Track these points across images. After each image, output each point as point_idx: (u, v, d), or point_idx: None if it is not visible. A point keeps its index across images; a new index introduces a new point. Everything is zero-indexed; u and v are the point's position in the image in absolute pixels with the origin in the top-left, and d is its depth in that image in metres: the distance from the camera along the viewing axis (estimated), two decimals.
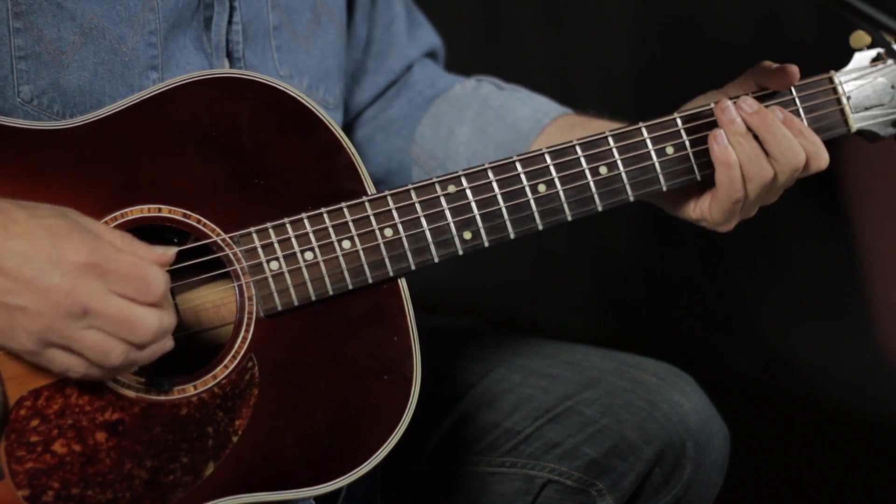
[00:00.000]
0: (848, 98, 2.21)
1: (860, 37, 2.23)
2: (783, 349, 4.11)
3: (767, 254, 3.97)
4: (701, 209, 2.19)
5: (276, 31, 2.26)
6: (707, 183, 2.18)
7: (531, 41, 4.16)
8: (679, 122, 2.14)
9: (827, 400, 4.01)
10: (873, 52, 2.24)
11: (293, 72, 2.28)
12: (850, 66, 2.23)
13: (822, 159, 2.15)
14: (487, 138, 2.46)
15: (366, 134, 2.54)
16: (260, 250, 1.97)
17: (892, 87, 2.23)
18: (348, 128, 2.55)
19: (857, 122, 2.22)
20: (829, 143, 2.23)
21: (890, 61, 2.23)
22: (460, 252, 2.05)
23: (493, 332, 2.55)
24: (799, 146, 2.12)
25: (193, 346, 1.98)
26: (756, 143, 2.11)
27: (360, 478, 1.94)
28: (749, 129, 2.11)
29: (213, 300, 1.99)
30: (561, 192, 2.09)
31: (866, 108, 2.22)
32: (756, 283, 4.05)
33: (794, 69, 2.15)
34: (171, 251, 1.87)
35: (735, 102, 2.12)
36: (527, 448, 2.35)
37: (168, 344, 1.84)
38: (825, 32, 3.44)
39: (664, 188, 2.14)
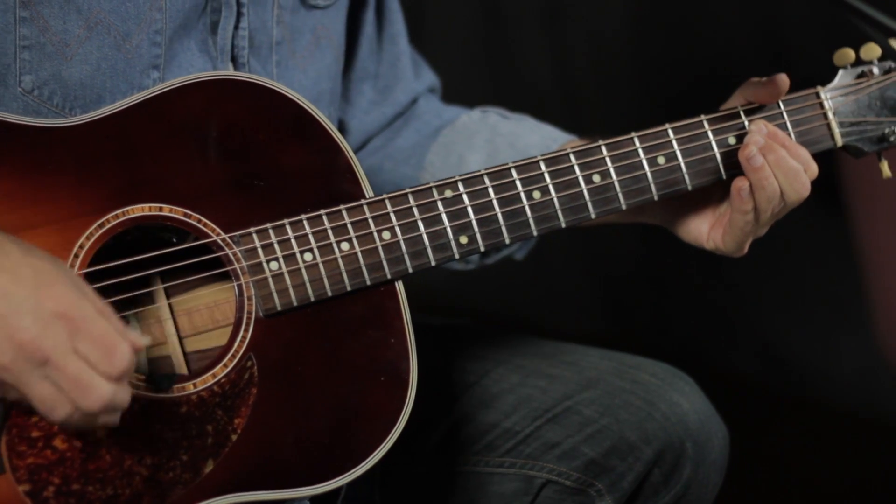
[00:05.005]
0: (834, 113, 2.24)
1: (844, 54, 2.26)
2: (783, 349, 4.11)
3: (767, 254, 3.98)
4: (714, 240, 2.24)
5: (279, 47, 2.27)
6: (703, 198, 2.23)
7: (531, 41, 4.16)
8: (670, 132, 2.17)
9: (826, 400, 4.01)
10: (858, 70, 2.27)
11: None
12: (836, 82, 2.26)
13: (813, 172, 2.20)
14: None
15: (374, 164, 2.54)
16: (260, 250, 1.98)
17: (876, 103, 2.26)
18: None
19: (842, 137, 2.25)
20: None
21: (875, 78, 2.26)
22: (457, 256, 2.07)
23: (492, 333, 2.55)
24: (807, 179, 2.16)
25: (187, 348, 2.00)
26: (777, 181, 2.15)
27: (359, 478, 1.95)
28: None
29: (206, 303, 2.00)
30: (555, 199, 2.11)
31: (851, 124, 2.25)
32: (756, 283, 4.05)
33: (784, 78, 2.18)
34: (146, 339, 1.84)
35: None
36: (526, 448, 2.36)
37: (115, 420, 1.82)
38: (825, 31, 3.45)
39: (655, 197, 2.16)
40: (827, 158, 2.24)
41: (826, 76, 2.26)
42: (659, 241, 2.39)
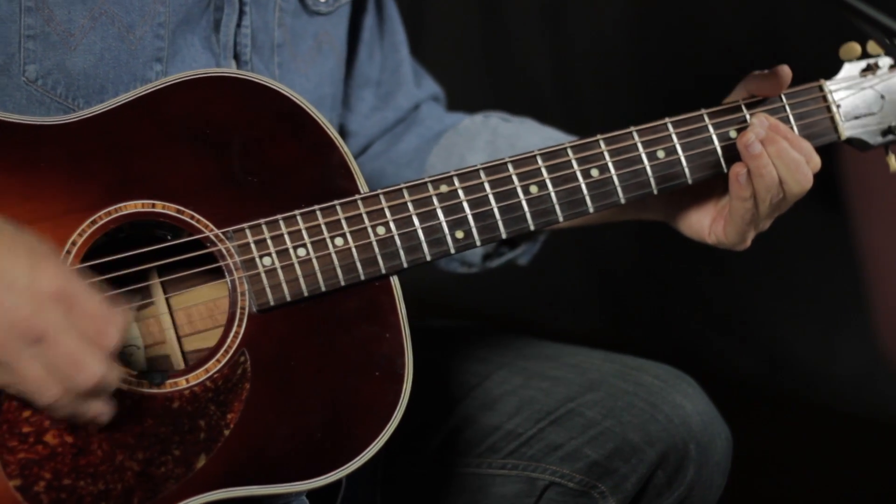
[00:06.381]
0: (838, 106, 2.23)
1: (850, 48, 2.26)
2: (784, 350, 4.12)
3: (768, 255, 3.98)
4: (716, 233, 2.24)
5: (280, 49, 2.28)
6: (704, 192, 2.23)
7: (531, 38, 4.17)
8: (670, 126, 2.18)
9: (828, 401, 4.02)
10: (863, 63, 2.26)
11: None
12: (840, 75, 2.26)
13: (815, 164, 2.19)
14: None
15: (376, 168, 2.55)
16: (253, 246, 1.98)
17: (882, 97, 2.25)
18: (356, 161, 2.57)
19: (847, 130, 2.24)
20: (828, 146, 2.24)
21: (881, 71, 2.25)
22: (452, 251, 2.06)
23: (494, 334, 2.55)
24: (809, 171, 2.16)
25: (186, 347, 2.00)
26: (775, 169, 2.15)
27: (360, 479, 1.95)
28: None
29: (205, 302, 2.00)
30: (552, 194, 2.11)
31: (856, 117, 2.24)
32: (757, 285, 4.06)
33: (786, 69, 2.18)
34: (131, 308, 1.84)
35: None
36: (528, 450, 2.36)
37: (104, 416, 1.81)
38: (825, 29, 3.45)
39: (655, 191, 2.17)
40: (828, 158, 2.23)
41: (829, 72, 2.25)
42: (660, 242, 2.40)
